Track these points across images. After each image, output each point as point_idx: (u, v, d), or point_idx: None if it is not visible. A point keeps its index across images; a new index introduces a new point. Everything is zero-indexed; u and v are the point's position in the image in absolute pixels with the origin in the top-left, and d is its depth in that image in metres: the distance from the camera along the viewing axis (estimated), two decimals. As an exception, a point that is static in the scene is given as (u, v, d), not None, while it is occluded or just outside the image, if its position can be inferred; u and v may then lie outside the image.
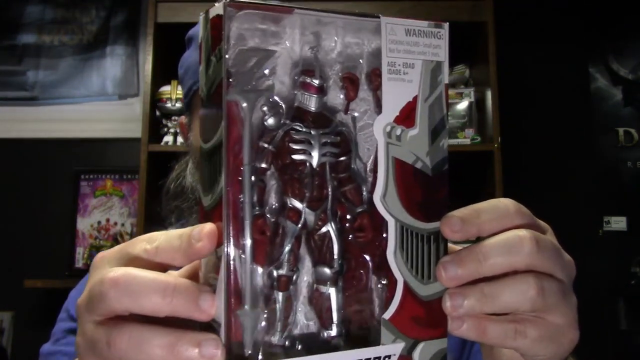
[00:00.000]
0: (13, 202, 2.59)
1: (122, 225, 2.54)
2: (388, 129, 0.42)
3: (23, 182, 2.60)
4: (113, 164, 2.62)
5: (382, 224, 0.42)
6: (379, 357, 0.41)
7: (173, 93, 2.30)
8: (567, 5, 2.69)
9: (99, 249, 2.48)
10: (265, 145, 0.39)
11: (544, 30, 2.68)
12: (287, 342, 0.39)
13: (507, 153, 2.21)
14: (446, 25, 0.44)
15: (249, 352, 0.38)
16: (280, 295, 0.39)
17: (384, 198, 0.41)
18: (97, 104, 2.64)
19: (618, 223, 2.55)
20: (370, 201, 0.42)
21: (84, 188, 2.57)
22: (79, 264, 2.49)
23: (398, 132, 0.42)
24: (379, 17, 0.41)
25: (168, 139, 2.33)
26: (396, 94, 0.42)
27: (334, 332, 0.41)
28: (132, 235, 2.49)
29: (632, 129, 2.62)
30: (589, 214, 2.57)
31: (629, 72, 2.65)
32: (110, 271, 0.40)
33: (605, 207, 2.58)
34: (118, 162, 2.61)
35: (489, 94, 2.27)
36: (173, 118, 2.33)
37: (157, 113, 2.34)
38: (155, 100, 2.31)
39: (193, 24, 0.95)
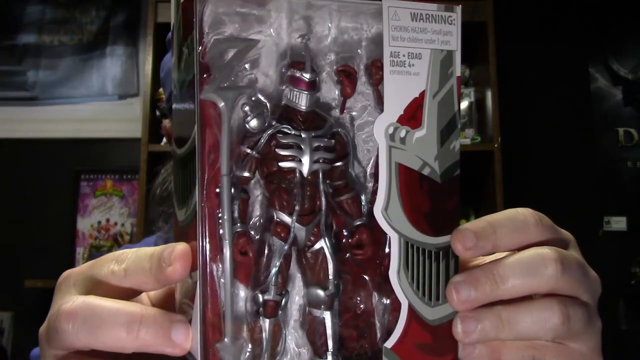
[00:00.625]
0: (13, 202, 2.57)
1: (122, 225, 2.51)
2: (391, 130, 0.35)
3: (23, 182, 2.58)
4: (113, 164, 2.59)
5: (383, 240, 0.36)
6: None
7: (172, 92, 2.26)
8: (567, 5, 2.66)
9: (99, 249, 2.46)
10: (248, 151, 0.33)
11: (544, 30, 2.65)
12: None
13: (507, 153, 2.19)
14: (459, 8, 0.38)
15: None
16: (267, 323, 0.33)
17: (386, 211, 0.35)
18: (97, 104, 2.61)
19: (618, 223, 2.51)
20: (371, 213, 0.35)
21: (84, 188, 2.54)
22: (79, 264, 2.43)
23: (402, 133, 0.35)
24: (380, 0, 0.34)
25: None
26: (400, 90, 0.35)
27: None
28: (132, 236, 2.45)
29: (632, 129, 2.59)
30: (589, 214, 2.53)
31: (629, 72, 2.61)
32: (68, 301, 0.34)
33: (605, 207, 2.54)
34: (118, 162, 2.59)
35: (489, 94, 2.25)
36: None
37: (157, 113, 2.30)
38: (155, 100, 2.28)
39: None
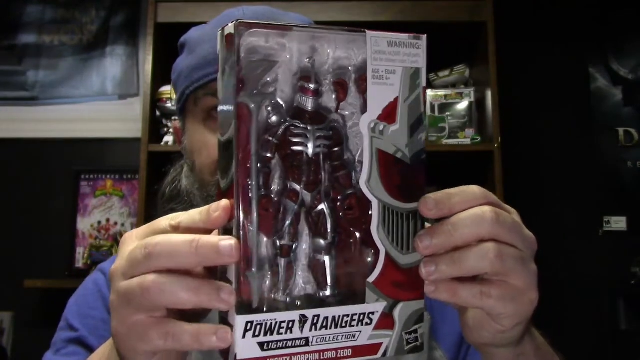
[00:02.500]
0: (13, 202, 2.66)
1: (122, 225, 2.61)
2: (372, 125, 0.52)
3: (23, 182, 2.67)
4: (113, 164, 2.68)
5: (367, 204, 0.52)
6: (364, 313, 0.52)
7: (173, 93, 2.36)
8: (567, 5, 2.76)
9: (99, 249, 2.56)
10: (270, 139, 0.49)
11: (544, 30, 2.75)
12: (288, 299, 0.50)
13: (507, 153, 2.28)
14: (424, 37, 0.53)
15: (256, 305, 0.49)
16: (282, 261, 0.50)
17: (368, 182, 0.52)
18: (97, 104, 2.71)
19: (618, 223, 2.61)
20: (358, 185, 0.52)
21: (84, 188, 2.64)
22: (79, 264, 2.57)
23: (381, 127, 0.52)
24: (364, 32, 0.52)
25: (168, 139, 2.39)
26: (379, 96, 0.52)
27: (328, 292, 0.52)
28: (132, 236, 2.57)
29: (632, 129, 2.68)
30: (589, 214, 2.63)
31: (629, 72, 2.71)
32: (149, 239, 0.50)
33: (605, 207, 2.64)
34: (118, 162, 2.68)
35: (489, 94, 2.33)
36: (173, 118, 2.38)
37: (157, 113, 2.40)
38: (155, 100, 2.38)
39: (193, 24, 1.02)
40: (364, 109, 0.52)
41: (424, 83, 0.53)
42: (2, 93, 2.70)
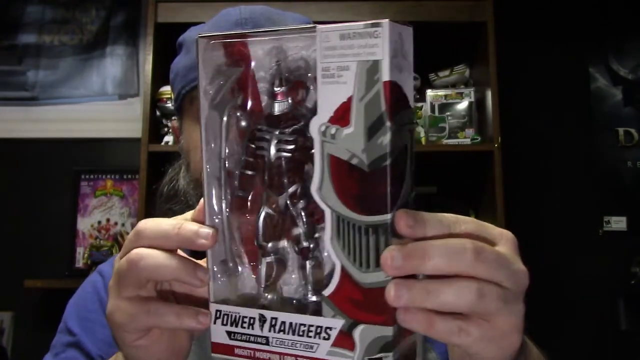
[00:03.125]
0: (13, 201, 2.67)
1: (122, 225, 2.62)
2: (323, 128, 0.47)
3: (23, 182, 2.68)
4: (113, 164, 2.68)
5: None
6: (321, 327, 0.49)
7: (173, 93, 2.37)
8: (567, 5, 2.76)
9: (99, 249, 2.56)
10: (247, 143, 0.52)
11: (544, 30, 2.75)
12: (269, 297, 0.53)
13: (507, 153, 2.28)
14: (385, 22, 0.44)
15: (230, 298, 0.53)
16: (263, 261, 0.53)
17: (320, 190, 0.48)
18: (97, 104, 2.71)
19: (618, 223, 2.60)
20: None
21: (84, 188, 2.64)
22: (79, 264, 2.57)
23: (332, 131, 0.47)
24: (315, 27, 0.47)
25: (168, 139, 2.39)
26: (330, 96, 0.47)
27: (310, 298, 0.52)
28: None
29: (632, 129, 2.68)
30: (589, 214, 2.63)
31: (629, 72, 2.71)
32: (142, 221, 0.56)
33: (605, 207, 2.63)
34: (118, 162, 2.68)
35: (489, 94, 2.33)
36: (173, 118, 2.39)
37: (157, 113, 2.40)
38: (155, 100, 2.38)
39: (193, 24, 1.02)
40: (314, 112, 0.47)
41: (385, 77, 0.44)
42: (2, 93, 2.71)
